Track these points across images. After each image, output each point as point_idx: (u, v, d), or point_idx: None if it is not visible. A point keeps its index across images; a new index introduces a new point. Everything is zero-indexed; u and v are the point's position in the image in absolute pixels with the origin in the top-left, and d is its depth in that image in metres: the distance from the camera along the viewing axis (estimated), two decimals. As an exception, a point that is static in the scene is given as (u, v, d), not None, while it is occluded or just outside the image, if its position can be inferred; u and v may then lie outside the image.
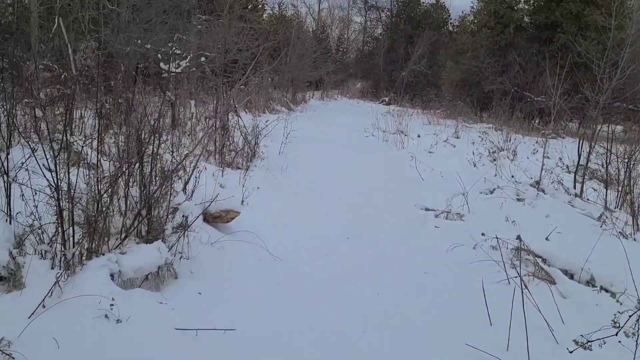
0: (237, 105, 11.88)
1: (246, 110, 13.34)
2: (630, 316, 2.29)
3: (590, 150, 6.86)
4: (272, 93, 15.19)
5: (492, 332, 3.11)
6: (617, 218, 5.62)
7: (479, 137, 11.11)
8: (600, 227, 5.33)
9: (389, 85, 30.27)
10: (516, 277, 3.80)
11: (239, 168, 6.36)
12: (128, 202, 3.32)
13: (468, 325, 3.20)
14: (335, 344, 2.74)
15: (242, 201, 4.87)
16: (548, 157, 11.74)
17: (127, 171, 3.24)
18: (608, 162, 6.41)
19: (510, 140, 9.86)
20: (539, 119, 18.12)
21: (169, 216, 3.27)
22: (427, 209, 5.75)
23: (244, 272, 3.47)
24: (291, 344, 2.64)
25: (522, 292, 2.94)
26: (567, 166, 9.47)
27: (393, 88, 29.54)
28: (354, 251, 4.31)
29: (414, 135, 12.28)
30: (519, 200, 6.46)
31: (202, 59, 10.08)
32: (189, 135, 7.20)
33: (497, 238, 4.39)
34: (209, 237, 3.77)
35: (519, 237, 4.29)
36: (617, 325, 2.20)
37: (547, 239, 4.95)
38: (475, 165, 8.68)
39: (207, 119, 7.76)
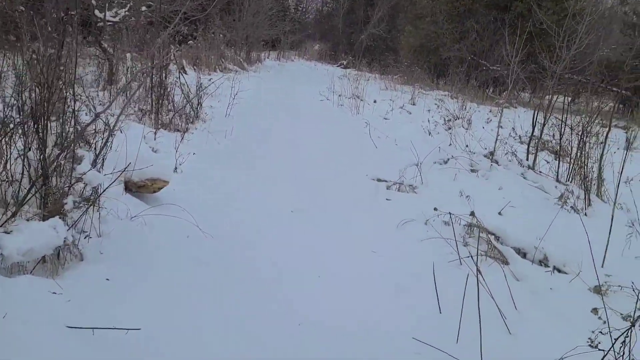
0: (177, 60, 11.05)
1: (195, 67, 12.50)
2: (615, 339, 1.98)
3: (544, 122, 6.65)
4: (224, 51, 14.31)
5: (442, 321, 2.80)
6: (570, 192, 5.45)
7: (435, 104, 10.82)
8: (561, 206, 5.14)
9: (347, 48, 29.55)
10: (468, 257, 3.52)
11: (178, 130, 5.76)
12: (24, 168, 2.74)
13: (417, 313, 2.88)
14: (263, 346, 2.35)
15: (175, 168, 4.35)
16: (501, 127, 11.69)
17: (21, 129, 2.66)
18: (562, 133, 6.22)
19: (465, 108, 9.61)
20: (493, 87, 18.08)
21: (71, 187, 2.72)
22: (379, 180, 5.39)
23: (166, 253, 3.00)
24: (207, 348, 2.22)
25: (477, 279, 2.62)
26: (520, 136, 9.33)
27: (352, 51, 28.86)
28: (297, 227, 3.90)
29: (370, 100, 11.87)
30: (472, 171, 6.21)
31: (144, 8, 9.19)
32: (122, 93, 6.49)
33: (450, 214, 4.09)
34: (128, 210, 3.25)
35: (472, 214, 4.00)
36: (595, 345, 1.89)
37: (500, 213, 4.71)
38: (430, 134, 8.38)
39: (144, 75, 7.04)
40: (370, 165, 5.96)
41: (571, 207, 5.12)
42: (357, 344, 2.51)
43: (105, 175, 3.11)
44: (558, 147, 6.16)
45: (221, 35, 14.04)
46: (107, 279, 2.58)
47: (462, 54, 17.56)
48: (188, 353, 2.16)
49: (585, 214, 5.07)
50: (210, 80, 7.84)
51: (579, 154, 6.05)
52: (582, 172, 5.35)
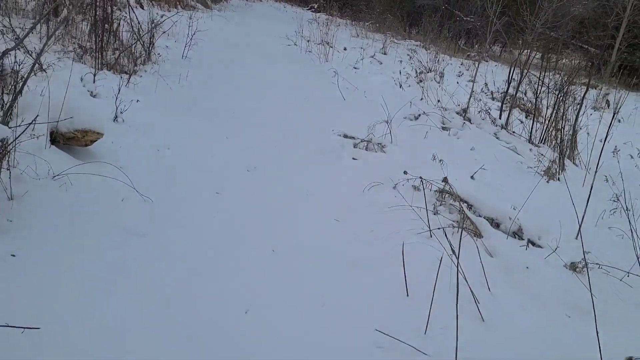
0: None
1: (152, 2, 11.45)
2: None
3: (521, 79, 6.29)
4: (186, -14, 13.17)
5: (409, 305, 2.48)
6: (541, 155, 5.19)
7: (408, 55, 10.30)
8: (535, 172, 4.87)
9: (319, -10, 28.12)
10: (439, 228, 3.19)
11: (126, 72, 5.09)
12: None
13: (383, 295, 2.55)
14: (202, 338, 1.96)
15: (115, 117, 3.78)
16: (473, 82, 11.34)
17: None
18: (538, 93, 5.88)
19: (438, 61, 9.14)
20: (466, 40, 17.58)
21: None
22: (345, 136, 4.96)
23: (92, 222, 2.53)
24: (125, 347, 1.82)
25: (456, 262, 2.28)
26: (492, 92, 9.03)
27: (323, -6, 27.50)
28: (252, 190, 3.46)
29: (340, 47, 11.22)
30: (444, 129, 5.86)
31: None
32: (65, 27, 5.70)
33: (420, 179, 3.73)
34: (50, 168, 2.73)
35: (445, 180, 3.65)
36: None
37: (472, 177, 4.39)
38: (401, 86, 7.93)
39: (89, 7, 6.19)
40: (337, 120, 5.50)
41: (544, 171, 4.86)
42: (311, 335, 2.16)
43: (19, 125, 2.57)
44: (533, 107, 5.84)
45: (183, -32, 12.84)
46: (13, 255, 2.12)
47: (436, 2, 16.86)
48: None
49: (559, 179, 4.83)
50: (162, 16, 7.04)
51: (554, 114, 5.76)
52: (560, 135, 5.06)
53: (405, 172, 3.83)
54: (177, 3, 12.56)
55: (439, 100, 6.88)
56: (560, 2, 6.96)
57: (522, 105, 8.70)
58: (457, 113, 6.17)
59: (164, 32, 6.72)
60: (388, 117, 5.07)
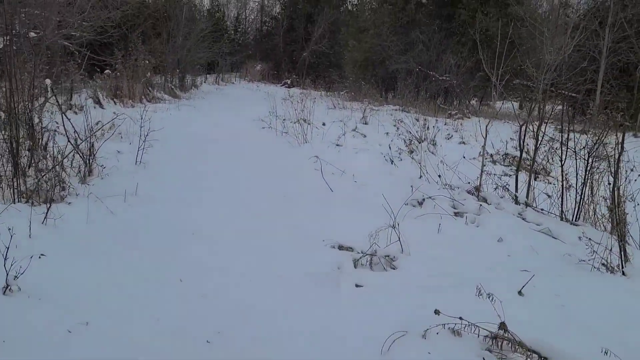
0: (91, 91, 9.20)
1: (115, 99, 10.56)
2: None
3: (539, 141, 5.24)
4: (151, 78, 12.42)
5: None
6: (589, 239, 4.01)
7: (394, 125, 9.35)
8: (591, 263, 3.66)
9: (290, 66, 28.13)
10: None
11: (53, 201, 3.90)
12: None
13: None
14: None
15: (7, 287, 2.53)
16: (464, 143, 10.43)
17: None
18: (564, 158, 4.81)
19: (427, 127, 8.17)
20: (444, 98, 17.00)
21: None
22: (341, 247, 3.76)
23: None
24: None
25: None
26: (492, 155, 8.03)
27: (295, 70, 27.46)
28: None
29: (318, 123, 10.33)
30: (457, 214, 4.71)
31: (32, 34, 7.27)
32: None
33: (461, 320, 2.50)
34: None
35: (502, 326, 2.43)
36: None
37: (520, 293, 3.18)
38: (392, 162, 6.88)
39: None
40: (327, 221, 4.33)
41: (602, 264, 3.67)
42: None
43: None
44: (561, 176, 4.74)
45: (146, 62, 12.14)
46: None
47: (410, 65, 16.41)
48: None
49: (624, 274, 3.63)
50: (119, 115, 6.01)
51: (585, 182, 4.67)
52: (616, 213, 3.90)
53: (437, 312, 2.60)
54: (142, 97, 11.73)
55: (439, 175, 5.81)
56: (517, 55, 6.03)
57: (527, 167, 7.71)
58: (469, 192, 5.06)
59: (118, 135, 5.66)
60: (391, 216, 3.90)
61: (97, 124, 5.22)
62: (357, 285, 3.17)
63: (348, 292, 3.09)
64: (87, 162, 4.71)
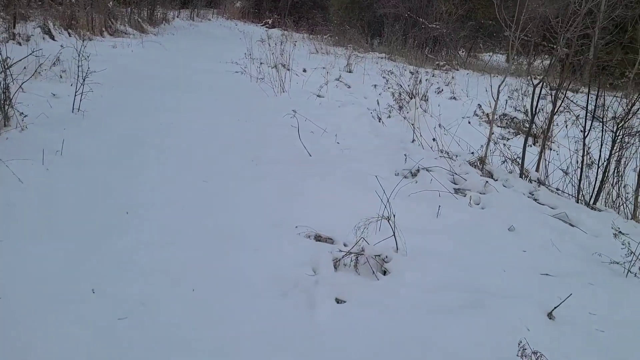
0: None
1: (70, 30, 9.13)
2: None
3: (556, 106, 4.35)
4: (113, 9, 10.89)
5: None
6: (620, 232, 3.23)
7: (383, 77, 8.30)
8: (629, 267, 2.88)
9: (272, 6, 26.09)
10: None
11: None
12: None
13: None
14: None
15: None
16: (455, 99, 9.48)
17: None
18: (587, 129, 3.94)
19: (419, 80, 7.14)
20: (431, 48, 15.81)
21: None
22: (318, 239, 2.89)
23: None
24: None
25: None
26: (487, 115, 7.13)
27: (277, 9, 25.48)
28: None
29: (298, 69, 9.21)
30: (458, 192, 3.87)
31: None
32: None
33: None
34: None
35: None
36: None
37: (550, 316, 2.39)
38: (380, 120, 5.94)
39: None
40: (302, 198, 3.44)
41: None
42: None
43: None
44: (582, 152, 3.90)
45: (108, -11, 10.58)
46: None
47: (399, 10, 15.05)
48: None
49: (666, 282, 2.89)
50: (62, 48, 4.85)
51: (611, 160, 3.85)
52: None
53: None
54: (103, 30, 10.26)
55: (434, 139, 4.92)
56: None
57: (523, 128, 6.88)
58: (472, 164, 4.20)
59: (56, 72, 4.55)
60: (383, 201, 3.01)
61: (5, 59, 4.05)
62: (337, 301, 2.32)
63: (325, 315, 2.23)
64: (2, 106, 3.64)
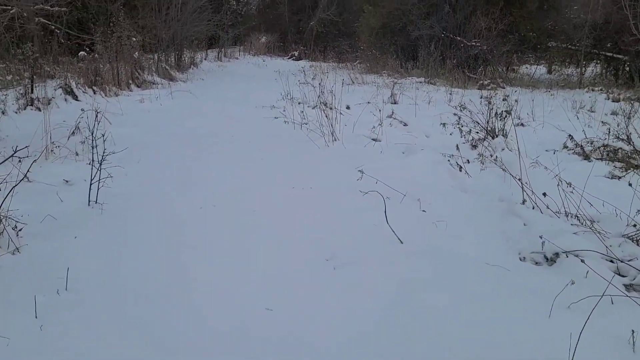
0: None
1: (94, 87, 8.34)
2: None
3: None
4: (139, 58, 10.15)
5: None
6: None
7: (455, 114, 7.00)
8: None
9: (297, 37, 25.49)
10: None
11: None
12: None
13: None
14: None
15: None
16: (522, 125, 8.15)
17: None
18: None
19: (492, 109, 5.85)
20: (472, 67, 14.53)
21: None
22: None
23: None
24: None
25: None
26: (582, 147, 5.77)
27: (302, 40, 24.84)
28: None
29: (340, 105, 8.11)
30: (630, 288, 2.58)
31: None
32: None
33: None
34: None
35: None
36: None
37: None
38: (462, 169, 4.71)
39: None
40: (419, 323, 2.23)
41: None
42: None
43: None
44: None
45: (133, 39, 9.85)
46: None
47: (435, 31, 13.91)
48: None
49: None
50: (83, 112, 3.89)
51: None
52: None
53: None
54: (129, 82, 9.48)
55: (544, 194, 3.64)
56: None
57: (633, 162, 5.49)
58: (634, 240, 2.90)
59: (71, 146, 3.56)
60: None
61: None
62: None
63: None
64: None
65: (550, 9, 14.52)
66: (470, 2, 13.81)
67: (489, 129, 5.37)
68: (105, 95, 8.34)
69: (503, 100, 9.83)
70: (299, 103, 8.48)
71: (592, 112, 8.22)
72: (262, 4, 28.41)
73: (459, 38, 13.99)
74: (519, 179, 3.77)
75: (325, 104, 7.70)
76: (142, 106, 7.53)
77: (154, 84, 10.17)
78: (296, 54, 22.35)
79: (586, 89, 12.08)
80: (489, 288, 2.61)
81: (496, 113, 5.65)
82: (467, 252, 3.03)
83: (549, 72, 19.49)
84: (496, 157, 4.47)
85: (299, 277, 2.65)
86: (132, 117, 6.33)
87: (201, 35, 14.61)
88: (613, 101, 10.52)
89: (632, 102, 9.91)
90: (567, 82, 14.37)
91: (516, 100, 9.45)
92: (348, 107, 8.31)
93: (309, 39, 23.75)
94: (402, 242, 3.07)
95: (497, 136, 5.15)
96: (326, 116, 6.07)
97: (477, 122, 5.35)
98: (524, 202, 3.70)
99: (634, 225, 2.92)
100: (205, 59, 15.56)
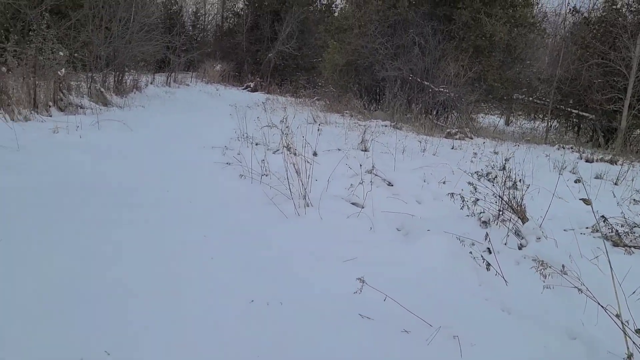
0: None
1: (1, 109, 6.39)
2: None
3: None
4: (66, 75, 8.25)
5: None
6: None
7: (470, 184, 5.68)
8: None
9: (254, 68, 24.12)
10: None
11: None
12: None
13: None
14: None
15: None
16: (516, 188, 7.02)
17: None
18: None
19: (512, 180, 4.60)
20: (439, 113, 13.67)
21: None
22: None
23: None
24: None
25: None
26: (618, 232, 4.58)
27: (259, 72, 23.48)
28: None
29: (304, 147, 6.65)
30: None
31: None
32: None
33: None
34: None
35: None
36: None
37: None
38: (490, 266, 3.31)
39: None
40: None
41: None
42: None
43: None
44: None
45: (60, 53, 7.99)
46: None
47: (403, 73, 12.95)
48: None
49: None
50: None
51: None
52: None
53: None
54: (50, 105, 7.56)
55: (617, 315, 2.28)
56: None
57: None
58: None
59: None
60: None
61: None
62: None
63: None
64: None
65: (515, 61, 14.07)
66: (439, 47, 13.04)
67: (510, 201, 4.05)
68: (11, 119, 6.41)
69: (494, 153, 8.74)
70: (257, 144, 6.97)
71: (574, 173, 7.26)
72: (219, 31, 26.97)
73: (426, 83, 13.11)
74: (589, 292, 2.39)
75: (289, 148, 6.20)
76: (53, 138, 5.68)
77: (81, 107, 8.28)
78: (252, 84, 20.92)
79: (557, 146, 11.41)
80: None
81: (513, 182, 4.36)
82: None
83: (507, 123, 19.14)
84: (563, 267, 3.08)
85: None
86: (24, 156, 4.52)
87: (148, 56, 12.83)
88: (586, 161, 9.82)
89: (615, 163, 9.20)
90: (532, 137, 13.83)
91: (476, 153, 8.39)
92: (315, 154, 6.87)
93: (266, 71, 22.46)
94: None
95: (525, 217, 3.83)
96: (296, 171, 4.54)
97: (499, 196, 4.02)
98: (629, 357, 2.30)
99: None
100: (151, 83, 13.71)
